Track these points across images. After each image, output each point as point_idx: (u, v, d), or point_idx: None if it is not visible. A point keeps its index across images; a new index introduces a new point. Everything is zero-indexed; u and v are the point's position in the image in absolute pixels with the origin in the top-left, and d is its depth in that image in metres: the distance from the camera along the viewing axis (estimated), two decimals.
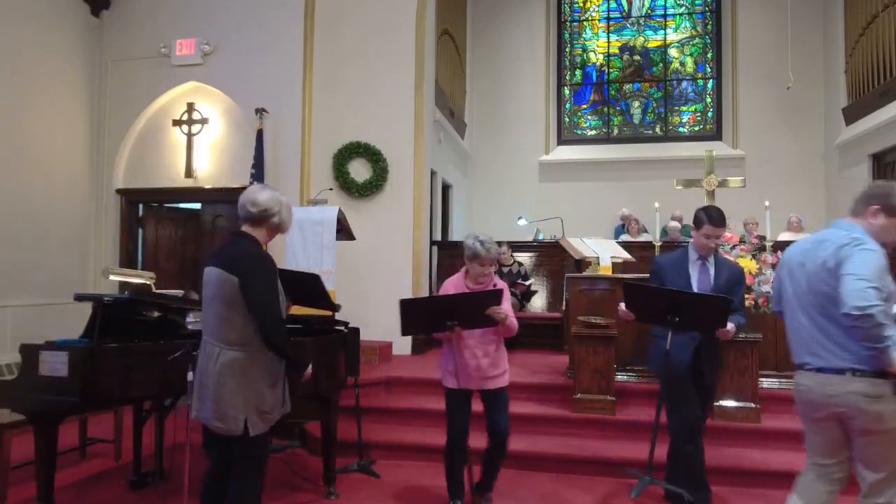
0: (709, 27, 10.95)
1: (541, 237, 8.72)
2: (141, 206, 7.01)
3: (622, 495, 3.82)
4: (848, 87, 8.95)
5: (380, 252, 6.24)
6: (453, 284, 3.34)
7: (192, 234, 6.91)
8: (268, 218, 2.74)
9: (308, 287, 3.61)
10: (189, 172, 6.72)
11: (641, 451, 4.19)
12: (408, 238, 6.48)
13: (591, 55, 11.31)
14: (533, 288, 7.21)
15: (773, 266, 4.76)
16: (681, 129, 10.97)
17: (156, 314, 3.79)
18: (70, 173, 6.59)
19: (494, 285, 3.29)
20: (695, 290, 3.28)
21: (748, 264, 4.85)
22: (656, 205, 5.63)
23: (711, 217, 3.31)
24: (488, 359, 3.25)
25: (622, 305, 3.42)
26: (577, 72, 11.32)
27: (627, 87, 11.18)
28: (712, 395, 3.70)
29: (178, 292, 4.88)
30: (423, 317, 3.18)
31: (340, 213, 5.13)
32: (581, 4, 11.37)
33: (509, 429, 3.32)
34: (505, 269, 6.95)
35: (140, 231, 6.99)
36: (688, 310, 3.15)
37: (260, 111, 6.31)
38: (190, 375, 3.04)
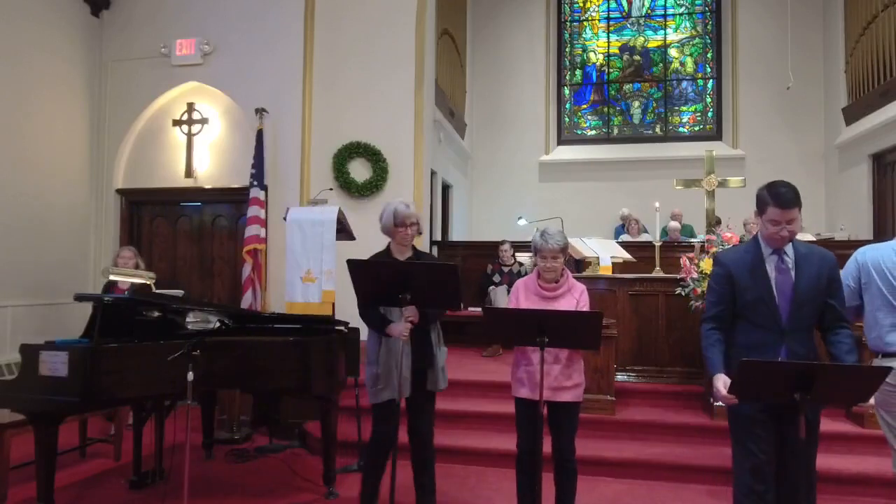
0: (709, 27, 10.95)
1: None
2: (141, 206, 7.00)
3: (623, 495, 3.82)
4: (848, 86, 8.95)
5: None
6: (524, 284, 3.11)
7: (193, 235, 6.90)
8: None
9: (434, 281, 2.94)
10: (189, 172, 6.71)
11: (641, 452, 4.20)
12: None
13: (591, 55, 11.31)
14: None
15: None
16: (681, 129, 10.97)
17: (156, 314, 3.79)
18: (70, 173, 6.58)
19: (572, 287, 3.03)
20: (777, 296, 2.48)
21: None
22: (656, 205, 5.63)
23: (779, 196, 2.39)
24: (559, 365, 2.92)
25: (721, 388, 2.40)
26: (577, 72, 11.32)
27: (627, 87, 11.18)
28: (810, 438, 2.44)
29: (179, 292, 4.89)
30: (507, 328, 2.90)
31: (340, 212, 5.13)
32: (581, 4, 11.37)
33: (574, 452, 3.02)
34: (506, 269, 6.96)
35: (140, 231, 6.99)
36: (825, 382, 2.19)
37: (260, 111, 6.30)
38: (190, 375, 3.05)
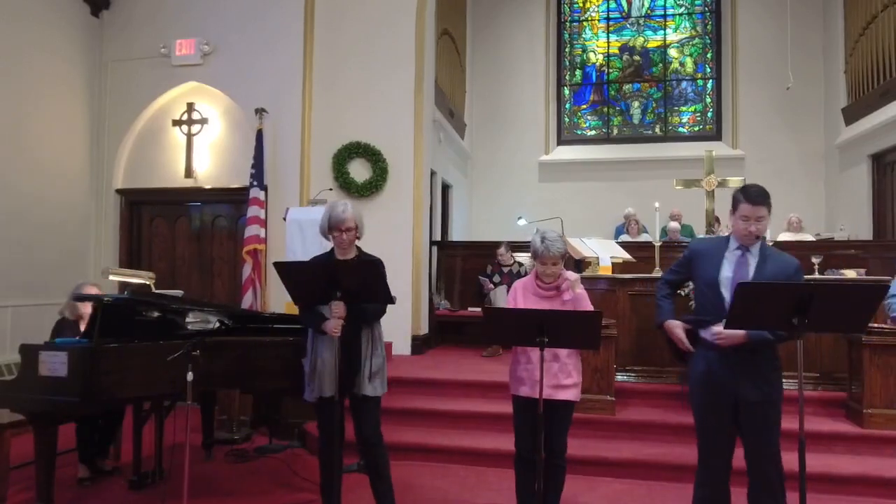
0: (708, 27, 10.94)
1: None
2: (140, 206, 7.01)
3: (622, 495, 3.82)
4: (848, 87, 8.95)
5: (379, 252, 6.08)
6: (522, 285, 3.12)
7: (193, 235, 6.91)
8: None
9: (361, 278, 3.01)
10: (189, 172, 6.71)
11: (641, 452, 4.20)
12: (407, 238, 6.48)
13: (591, 55, 11.30)
14: None
15: None
16: (680, 130, 10.96)
17: (155, 314, 3.79)
18: (70, 173, 6.58)
19: (569, 288, 3.01)
20: (723, 286, 2.66)
21: None
22: (656, 205, 5.63)
23: (749, 194, 2.63)
24: (557, 363, 2.91)
25: (679, 331, 2.73)
26: (577, 72, 11.32)
27: (627, 87, 11.17)
28: (766, 425, 2.64)
29: (178, 292, 4.88)
30: (507, 328, 2.91)
31: None
32: (581, 4, 11.37)
33: (565, 451, 3.05)
34: (505, 270, 6.95)
35: (139, 231, 6.99)
36: (822, 304, 2.29)
37: (260, 111, 6.30)
38: (190, 375, 3.05)
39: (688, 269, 2.86)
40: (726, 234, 4.74)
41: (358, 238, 3.18)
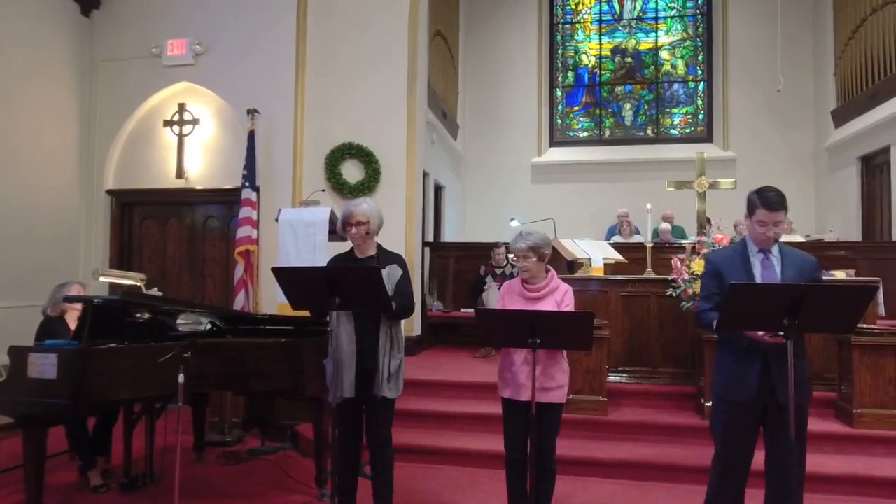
0: (700, 30, 11.01)
1: None
2: (131, 207, 6.96)
3: (615, 496, 3.83)
4: (837, 89, 9.03)
5: None
6: (509, 286, 3.15)
7: (184, 236, 6.86)
8: None
9: (360, 284, 2.91)
10: (180, 173, 6.67)
11: (633, 452, 4.21)
12: (400, 239, 6.46)
13: (584, 57, 11.35)
14: None
15: None
16: (672, 131, 11.02)
17: (146, 316, 3.77)
18: (60, 174, 6.53)
19: (556, 289, 3.04)
20: None
21: None
22: (648, 206, 5.66)
23: (766, 199, 2.58)
24: (539, 366, 2.89)
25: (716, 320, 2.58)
26: (570, 73, 11.36)
27: (619, 89, 11.22)
28: (795, 426, 2.44)
29: (157, 293, 4.84)
30: (501, 330, 2.92)
31: (332, 213, 5.11)
32: (573, 7, 11.41)
33: (554, 453, 3.05)
34: (498, 271, 6.97)
35: (130, 232, 6.94)
36: (814, 305, 2.29)
37: (252, 112, 6.28)
38: (181, 377, 3.03)
39: (719, 283, 2.70)
40: (720, 235, 4.80)
41: (369, 233, 3.14)
